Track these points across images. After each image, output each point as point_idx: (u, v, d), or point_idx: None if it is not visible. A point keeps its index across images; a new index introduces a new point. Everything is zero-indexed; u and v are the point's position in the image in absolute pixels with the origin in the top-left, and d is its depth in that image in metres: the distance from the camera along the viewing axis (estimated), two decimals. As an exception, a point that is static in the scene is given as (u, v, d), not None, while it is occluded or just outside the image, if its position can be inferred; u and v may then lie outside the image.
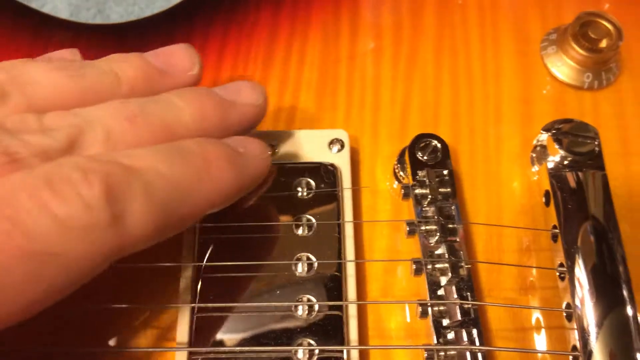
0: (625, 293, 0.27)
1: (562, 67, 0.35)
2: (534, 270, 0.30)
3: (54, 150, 0.20)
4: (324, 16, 0.37)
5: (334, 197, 0.29)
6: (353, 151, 0.32)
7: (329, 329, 0.26)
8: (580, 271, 0.28)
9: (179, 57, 0.27)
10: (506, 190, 0.32)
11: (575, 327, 0.27)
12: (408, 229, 0.28)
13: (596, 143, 0.30)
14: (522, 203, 0.31)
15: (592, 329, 0.26)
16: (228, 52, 0.35)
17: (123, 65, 0.25)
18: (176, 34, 0.36)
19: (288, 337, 0.26)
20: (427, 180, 0.28)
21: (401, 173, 0.30)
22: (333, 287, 0.27)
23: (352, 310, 0.27)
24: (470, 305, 0.26)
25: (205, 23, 0.37)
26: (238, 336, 0.26)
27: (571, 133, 0.30)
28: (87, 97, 0.23)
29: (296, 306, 0.26)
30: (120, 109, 0.23)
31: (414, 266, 0.27)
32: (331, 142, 0.30)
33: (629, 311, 0.27)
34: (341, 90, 0.34)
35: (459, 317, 0.25)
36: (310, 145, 0.30)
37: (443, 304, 0.26)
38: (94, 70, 0.24)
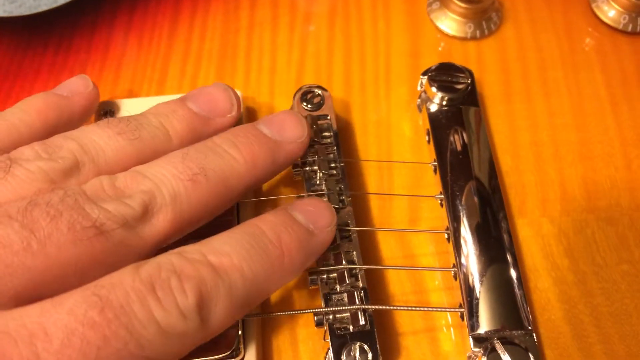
0: (494, 203, 0.29)
1: (446, 20, 0.37)
2: (423, 204, 0.32)
3: (132, 218, 0.22)
4: (224, -9, 0.39)
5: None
6: (251, 111, 0.34)
7: None
8: (457, 198, 0.30)
9: (219, 100, 0.29)
10: (395, 134, 0.34)
11: (454, 245, 0.29)
12: (294, 170, 0.30)
13: (469, 81, 0.32)
14: (411, 145, 0.34)
15: (470, 246, 0.29)
16: (134, 30, 0.38)
17: (171, 120, 0.27)
18: (84, 16, 0.38)
19: None
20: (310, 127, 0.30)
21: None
22: None
23: None
24: (350, 233, 0.28)
25: (112, 5, 0.39)
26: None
27: (445, 74, 0.33)
28: (144, 156, 0.25)
29: None
30: (182, 170, 0.24)
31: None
32: (225, 102, 0.33)
33: (503, 226, 0.29)
34: (240, 57, 0.37)
35: (338, 241, 0.27)
36: (206, 105, 0.33)
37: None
38: (148, 130, 0.26)
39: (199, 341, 0.22)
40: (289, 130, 0.28)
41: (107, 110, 0.33)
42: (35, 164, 0.23)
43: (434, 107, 0.33)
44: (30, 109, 0.27)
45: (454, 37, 0.37)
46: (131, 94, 0.36)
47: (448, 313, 0.29)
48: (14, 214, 0.20)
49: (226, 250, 0.22)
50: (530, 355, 0.25)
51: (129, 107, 0.33)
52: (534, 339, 0.26)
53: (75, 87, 0.30)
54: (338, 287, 0.27)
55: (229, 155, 0.25)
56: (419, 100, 0.34)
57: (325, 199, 0.29)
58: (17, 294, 0.20)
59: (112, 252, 0.21)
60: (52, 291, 0.20)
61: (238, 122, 0.29)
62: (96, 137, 0.25)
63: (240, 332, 0.26)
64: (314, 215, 0.26)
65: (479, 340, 0.26)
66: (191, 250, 0.22)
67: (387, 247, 0.31)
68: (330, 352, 0.26)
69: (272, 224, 0.24)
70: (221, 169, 0.25)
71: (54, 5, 0.42)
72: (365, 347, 0.25)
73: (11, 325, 0.18)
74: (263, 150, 0.26)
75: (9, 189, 0.22)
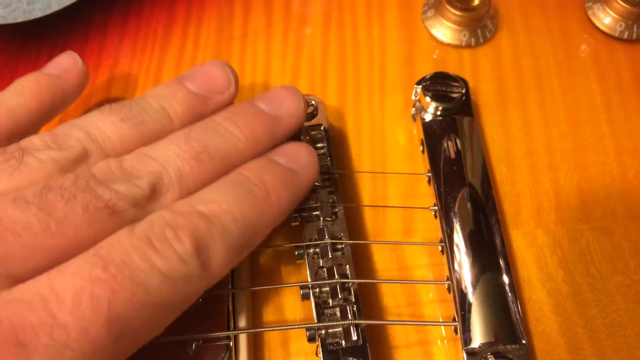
0: (488, 215, 0.29)
1: (441, 28, 0.37)
2: (417, 215, 0.32)
3: (142, 197, 0.23)
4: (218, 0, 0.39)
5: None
6: (244, 119, 0.34)
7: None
8: (451, 210, 0.30)
9: (216, 77, 0.29)
10: (390, 144, 0.34)
11: (448, 258, 0.29)
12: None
13: (463, 91, 0.32)
14: (405, 155, 0.33)
15: (464, 259, 0.28)
16: (127, 37, 0.38)
17: (171, 102, 0.27)
18: (77, 24, 0.38)
19: None
20: (302, 137, 0.30)
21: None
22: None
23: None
24: (343, 245, 0.28)
25: (105, 12, 0.39)
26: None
27: (440, 83, 0.32)
28: (147, 140, 0.26)
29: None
30: (186, 150, 0.25)
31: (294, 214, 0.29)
32: (217, 110, 0.32)
33: (497, 238, 0.29)
34: (234, 65, 0.36)
35: (330, 255, 0.27)
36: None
37: (317, 245, 0.28)
38: (150, 114, 0.27)
39: (205, 285, 0.23)
40: (286, 105, 0.28)
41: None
42: (46, 153, 0.24)
43: (428, 117, 0.32)
44: (24, 91, 0.28)
45: (448, 44, 0.37)
46: (124, 102, 0.35)
47: (442, 326, 0.28)
48: (30, 198, 0.21)
49: (213, 198, 0.24)
50: (523, 369, 0.25)
51: None
52: (527, 352, 0.26)
53: (65, 64, 0.30)
54: (330, 302, 0.27)
55: (229, 133, 0.26)
56: (413, 109, 0.34)
57: (317, 212, 0.29)
58: (37, 271, 0.21)
59: None
60: None
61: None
62: (101, 124, 0.26)
63: (231, 345, 0.26)
64: (294, 156, 0.27)
65: (472, 354, 0.26)
66: (180, 204, 0.23)
67: (381, 259, 0.31)
68: (323, 368, 0.25)
69: (254, 169, 0.26)
70: (223, 147, 0.26)
71: (48, 11, 0.41)
72: (358, 362, 0.25)
73: (26, 295, 0.20)
74: (262, 126, 0.27)
75: (23, 177, 0.23)
